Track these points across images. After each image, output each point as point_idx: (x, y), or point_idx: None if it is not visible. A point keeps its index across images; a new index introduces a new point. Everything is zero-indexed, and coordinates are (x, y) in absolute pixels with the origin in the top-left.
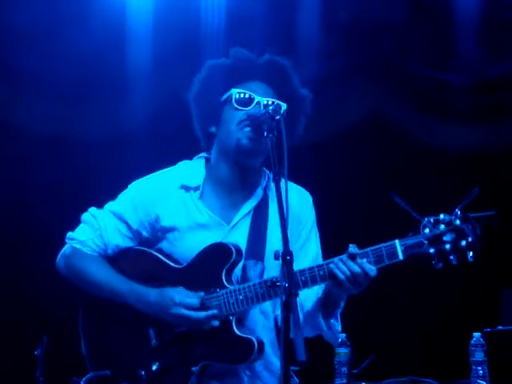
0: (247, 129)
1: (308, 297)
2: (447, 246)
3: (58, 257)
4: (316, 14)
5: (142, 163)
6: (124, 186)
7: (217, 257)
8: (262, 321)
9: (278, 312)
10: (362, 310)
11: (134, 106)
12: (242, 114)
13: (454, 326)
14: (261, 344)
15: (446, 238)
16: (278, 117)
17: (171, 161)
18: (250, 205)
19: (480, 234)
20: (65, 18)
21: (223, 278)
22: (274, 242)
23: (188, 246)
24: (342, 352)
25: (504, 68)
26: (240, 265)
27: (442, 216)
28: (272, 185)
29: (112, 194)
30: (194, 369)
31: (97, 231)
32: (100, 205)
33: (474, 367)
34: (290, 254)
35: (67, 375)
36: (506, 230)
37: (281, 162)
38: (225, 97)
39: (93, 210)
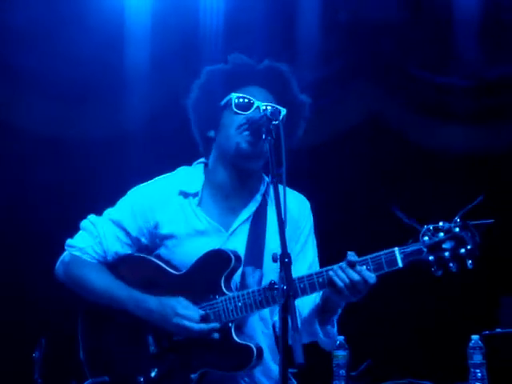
0: (246, 133)
1: (305, 303)
2: (446, 254)
3: (57, 264)
4: (315, 15)
5: (140, 163)
6: (123, 187)
7: (216, 263)
8: (261, 327)
9: (276, 318)
10: (360, 313)
11: (133, 107)
12: (241, 118)
13: (453, 329)
14: (260, 351)
15: (446, 245)
16: (276, 121)
17: (170, 161)
18: (248, 211)
19: (479, 241)
20: (64, 19)
21: (222, 285)
22: (272, 248)
23: (187, 252)
24: (340, 354)
25: (504, 69)
26: (239, 271)
27: (441, 223)
28: (271, 190)
29: (111, 195)
30: (192, 376)
31: (96, 238)
32: (99, 205)
33: (472, 370)
34: (288, 256)
35: (66, 378)
36: (506, 233)
37: (279, 164)
38: (224, 101)
39: (92, 217)
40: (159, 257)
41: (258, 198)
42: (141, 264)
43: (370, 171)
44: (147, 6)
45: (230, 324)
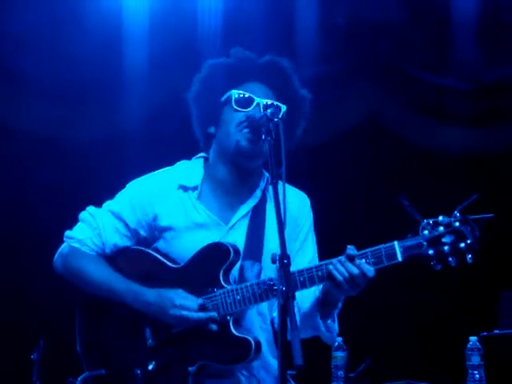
0: (246, 130)
1: (305, 297)
2: (446, 248)
3: (56, 256)
4: (314, 16)
5: (139, 163)
6: (122, 186)
7: (214, 256)
8: (259, 322)
9: (275, 314)
10: (358, 314)
11: (131, 107)
12: (241, 115)
13: (452, 326)
14: (258, 344)
15: (445, 239)
16: (276, 119)
17: (168, 161)
18: (248, 206)
19: (479, 236)
20: (62, 21)
21: (221, 278)
22: (271, 242)
23: (185, 245)
24: (339, 356)
25: (502, 71)
26: (237, 265)
27: (441, 218)
28: (270, 187)
29: (110, 194)
30: (190, 369)
31: (95, 230)
32: (98, 204)
33: (470, 371)
34: (288, 257)
35: (65, 379)
36: (504, 232)
37: (279, 164)
38: (224, 98)
39: (91, 208)
40: (157, 250)
41: (258, 193)
42: (139, 257)
43: (370, 171)
44: (145, 6)
45: (229, 317)
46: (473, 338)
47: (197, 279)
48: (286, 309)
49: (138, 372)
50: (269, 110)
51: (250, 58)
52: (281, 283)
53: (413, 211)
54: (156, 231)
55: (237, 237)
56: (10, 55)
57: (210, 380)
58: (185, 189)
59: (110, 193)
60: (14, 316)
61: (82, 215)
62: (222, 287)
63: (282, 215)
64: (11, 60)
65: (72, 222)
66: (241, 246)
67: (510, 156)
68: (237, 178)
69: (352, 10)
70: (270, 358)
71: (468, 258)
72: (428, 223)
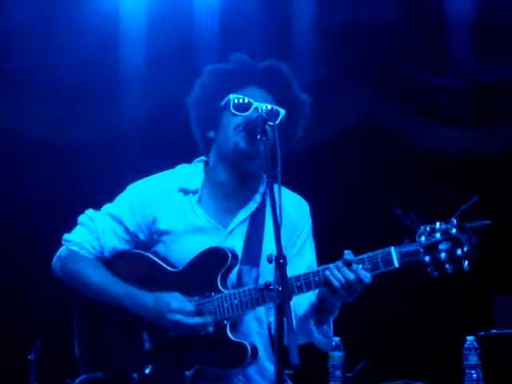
0: (243, 133)
1: (301, 302)
2: (442, 255)
3: (54, 259)
4: (312, 17)
5: (138, 164)
6: (121, 188)
7: (213, 261)
8: (256, 327)
9: (272, 319)
10: (356, 313)
11: (130, 108)
12: (239, 119)
13: (449, 330)
14: (254, 349)
15: (442, 246)
16: (271, 122)
17: (167, 161)
18: (247, 211)
19: (476, 243)
20: (60, 22)
21: (218, 283)
22: (269, 248)
23: (184, 249)
24: (336, 355)
25: (498, 71)
26: (235, 270)
27: (438, 224)
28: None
29: (109, 195)
30: (187, 373)
31: (94, 233)
32: (98, 206)
33: (467, 371)
34: (284, 257)
35: (62, 379)
36: (502, 232)
37: (274, 165)
38: (223, 102)
39: (90, 211)
40: (156, 254)
41: (258, 198)
42: (137, 260)
43: (369, 171)
44: (142, 7)
45: (226, 322)
46: (470, 338)
47: (195, 283)
48: (282, 309)
49: (135, 376)
50: (264, 110)
51: (250, 62)
52: (277, 283)
53: (406, 220)
54: (155, 234)
55: (235, 242)
56: (8, 56)
57: None
58: (185, 192)
59: (109, 193)
60: (13, 316)
61: (81, 218)
62: (220, 292)
63: (278, 215)
64: (9, 60)
65: (71, 222)
66: (239, 250)
67: (508, 156)
68: (237, 181)
69: (350, 11)
70: (266, 363)
71: (465, 265)
72: (425, 229)
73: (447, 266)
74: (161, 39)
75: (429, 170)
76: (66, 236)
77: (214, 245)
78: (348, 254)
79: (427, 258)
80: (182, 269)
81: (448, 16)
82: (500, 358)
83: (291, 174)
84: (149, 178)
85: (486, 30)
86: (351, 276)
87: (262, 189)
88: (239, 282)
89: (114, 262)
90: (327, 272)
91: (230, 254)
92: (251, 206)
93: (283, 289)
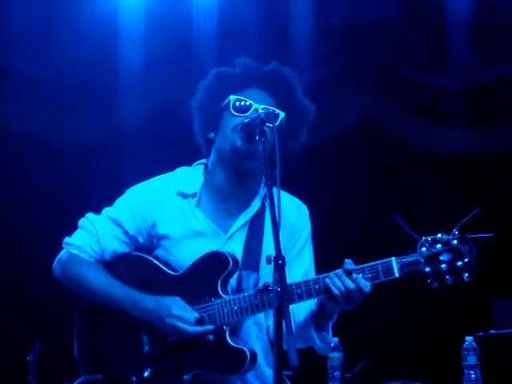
0: (241, 133)
1: (300, 308)
2: (443, 266)
3: (55, 262)
4: (310, 18)
5: (137, 165)
6: (120, 188)
7: (213, 266)
8: (256, 332)
9: (270, 322)
10: (355, 314)
11: (128, 109)
12: (238, 120)
13: (447, 330)
14: (253, 355)
15: (443, 257)
16: (270, 124)
17: (166, 162)
18: (247, 215)
19: (477, 255)
20: (58, 23)
21: (218, 288)
22: (269, 252)
23: (184, 253)
24: (335, 356)
25: (496, 71)
26: (235, 275)
27: (439, 235)
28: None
29: (108, 196)
30: (185, 377)
31: (94, 237)
32: (97, 206)
33: (466, 371)
34: (282, 258)
35: (61, 380)
36: (499, 235)
37: (273, 166)
38: (224, 103)
39: (90, 215)
40: (157, 258)
41: (258, 201)
42: (138, 263)
43: (368, 172)
44: (140, 8)
45: (225, 327)
46: (469, 338)
47: (195, 288)
48: (280, 310)
49: (134, 379)
50: (262, 112)
51: (255, 66)
52: (276, 285)
53: (407, 228)
54: (154, 239)
55: (235, 246)
56: (6, 56)
57: None
58: (184, 196)
59: (108, 194)
60: (12, 316)
61: (81, 222)
62: (220, 297)
63: (277, 217)
64: (7, 61)
65: (71, 223)
66: (239, 255)
67: (507, 156)
68: (235, 182)
69: (348, 11)
70: (265, 367)
71: (465, 277)
72: (426, 240)
73: (447, 277)
74: (159, 40)
75: (428, 170)
76: (66, 239)
77: (215, 249)
78: (348, 264)
79: (428, 269)
80: (182, 272)
81: (447, 16)
82: (499, 358)
83: (290, 175)
84: (148, 181)
85: (485, 31)
86: (351, 285)
87: (262, 191)
88: (239, 287)
89: (115, 265)
90: (327, 280)
91: (230, 259)
92: (251, 210)
93: (282, 290)
